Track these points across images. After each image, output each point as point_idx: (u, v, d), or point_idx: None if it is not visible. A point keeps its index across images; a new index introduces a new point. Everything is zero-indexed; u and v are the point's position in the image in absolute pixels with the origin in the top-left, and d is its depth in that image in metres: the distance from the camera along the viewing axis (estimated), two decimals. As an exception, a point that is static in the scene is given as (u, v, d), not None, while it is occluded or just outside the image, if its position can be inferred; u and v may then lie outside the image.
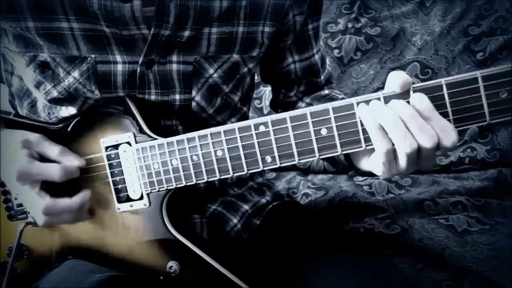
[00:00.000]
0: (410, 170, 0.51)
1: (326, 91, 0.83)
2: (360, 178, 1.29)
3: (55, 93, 0.64)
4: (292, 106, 0.85)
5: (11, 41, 0.61)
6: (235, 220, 0.76)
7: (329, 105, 0.51)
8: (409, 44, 1.35)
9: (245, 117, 0.84)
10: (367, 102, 0.50)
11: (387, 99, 0.49)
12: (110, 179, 0.65)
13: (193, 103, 0.68)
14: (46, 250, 0.72)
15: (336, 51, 1.41)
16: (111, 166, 0.65)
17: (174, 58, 0.64)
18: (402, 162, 0.49)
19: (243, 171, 0.57)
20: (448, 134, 0.46)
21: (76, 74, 0.62)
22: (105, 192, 0.66)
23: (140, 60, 0.62)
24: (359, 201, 1.06)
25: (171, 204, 0.65)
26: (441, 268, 0.78)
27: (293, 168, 1.40)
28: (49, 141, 0.64)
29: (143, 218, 0.65)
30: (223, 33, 0.66)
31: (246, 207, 0.79)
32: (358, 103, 0.50)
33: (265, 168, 0.56)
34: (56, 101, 0.65)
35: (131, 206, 0.64)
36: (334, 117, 0.51)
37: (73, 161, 0.63)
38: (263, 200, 0.82)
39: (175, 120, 0.70)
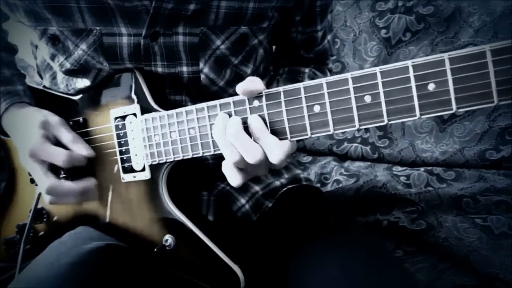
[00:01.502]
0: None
1: (306, 69, 0.83)
2: (400, 168, 1.21)
3: (68, 65, 0.66)
4: (276, 69, 0.86)
5: (22, 15, 0.64)
6: (242, 201, 0.75)
7: (324, 81, 0.48)
8: (465, 25, 1.22)
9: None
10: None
11: (384, 74, 0.45)
12: (117, 149, 0.67)
13: (202, 76, 0.67)
14: (63, 215, 0.76)
15: (383, 31, 1.32)
16: (118, 136, 0.66)
17: (180, 29, 0.63)
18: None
19: (236, 146, 0.55)
20: (272, 151, 0.49)
21: (84, 46, 0.63)
22: (112, 162, 0.68)
23: (143, 32, 0.62)
24: (388, 191, 0.99)
25: (172, 178, 0.65)
26: (464, 272, 0.71)
27: (329, 153, 1.35)
28: (66, 127, 0.67)
29: (145, 190, 0.65)
30: (232, 8, 0.64)
31: (256, 188, 0.77)
32: (352, 77, 0.46)
33: (258, 145, 0.54)
34: (71, 73, 0.68)
35: (134, 177, 0.65)
36: (328, 93, 0.48)
37: (81, 150, 0.66)
38: (277, 183, 0.79)
39: (185, 95, 0.70)
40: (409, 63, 0.43)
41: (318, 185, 1.23)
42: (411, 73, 0.43)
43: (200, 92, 0.70)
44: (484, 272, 0.70)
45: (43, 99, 0.76)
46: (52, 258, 0.58)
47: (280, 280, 0.66)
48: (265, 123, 0.52)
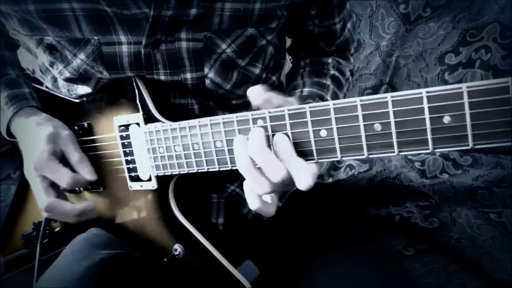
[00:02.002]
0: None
1: (329, 60, 0.79)
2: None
3: (67, 74, 0.64)
4: (297, 61, 0.83)
5: (17, 24, 0.61)
6: (253, 203, 0.74)
7: (331, 104, 0.45)
8: (490, 1, 1.14)
9: (273, 88, 0.79)
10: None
11: (395, 103, 0.42)
12: (123, 158, 0.66)
13: (207, 81, 0.65)
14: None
15: (402, 6, 1.24)
16: (123, 145, 0.65)
17: (183, 35, 0.60)
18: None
19: (241, 165, 0.53)
20: (300, 175, 0.45)
21: (82, 56, 0.61)
22: (119, 169, 0.67)
23: (143, 41, 0.59)
24: (402, 183, 0.97)
25: (179, 187, 0.64)
26: (475, 276, 0.70)
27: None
28: (75, 144, 0.66)
29: (152, 199, 0.65)
30: (237, 10, 0.60)
31: (266, 188, 0.76)
32: (361, 104, 0.43)
33: (263, 165, 0.52)
34: (71, 81, 0.66)
35: (141, 186, 0.65)
36: (336, 118, 0.45)
37: (86, 174, 0.65)
38: None
39: (190, 98, 0.67)
40: (423, 92, 0.40)
41: (331, 171, 1.22)
42: (425, 104, 0.40)
43: (206, 95, 0.68)
44: (496, 277, 0.69)
45: (48, 100, 0.75)
46: (63, 274, 0.59)
47: (291, 282, 0.67)
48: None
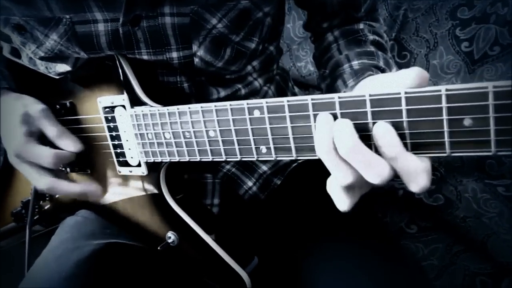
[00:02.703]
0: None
1: (361, 25, 0.70)
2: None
3: (41, 53, 0.58)
4: (322, 36, 0.73)
5: None
6: (249, 183, 0.71)
7: (336, 97, 0.40)
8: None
9: (271, 58, 0.73)
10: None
11: (409, 100, 0.36)
12: (110, 142, 0.61)
13: (196, 59, 0.58)
14: (63, 198, 0.73)
15: (464, 44, 1.12)
16: (109, 128, 0.60)
17: (167, 10, 0.53)
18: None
19: (237, 157, 0.49)
20: (415, 176, 0.36)
21: (54, 36, 0.54)
22: (106, 153, 0.63)
23: (121, 19, 0.52)
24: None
25: (172, 170, 0.60)
26: (479, 258, 0.68)
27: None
28: (49, 119, 0.60)
29: (143, 185, 0.61)
30: None
31: (264, 167, 0.72)
32: (370, 100, 0.38)
33: (260, 159, 0.48)
34: (47, 59, 0.60)
35: (130, 171, 0.61)
36: (341, 113, 0.40)
37: (68, 146, 0.60)
38: (287, 158, 0.74)
39: (179, 76, 0.61)
40: (442, 90, 0.35)
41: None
42: (444, 104, 0.35)
43: (196, 73, 0.62)
44: (500, 261, 0.67)
45: (26, 76, 0.68)
46: (51, 271, 0.56)
47: (290, 266, 0.65)
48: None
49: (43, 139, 0.61)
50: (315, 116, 0.41)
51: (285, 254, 0.65)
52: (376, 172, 0.36)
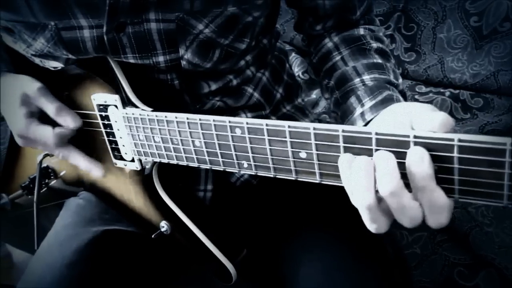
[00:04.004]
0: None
1: (361, 31, 0.66)
2: (424, 89, 1.12)
3: (32, 52, 0.58)
4: (318, 39, 0.70)
5: None
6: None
7: (312, 127, 0.41)
8: None
9: (265, 50, 0.72)
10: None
11: (380, 141, 0.37)
12: (105, 138, 0.63)
13: (183, 62, 0.58)
14: (68, 172, 0.78)
15: (473, 18, 1.06)
16: (104, 125, 0.62)
17: (152, 16, 0.53)
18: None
19: (221, 168, 0.51)
20: (437, 215, 0.35)
21: (42, 40, 0.55)
22: (103, 147, 0.65)
23: (104, 28, 0.52)
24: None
25: (164, 168, 0.63)
26: (460, 249, 0.71)
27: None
28: (47, 96, 0.61)
29: (137, 178, 0.64)
30: None
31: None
32: (343, 135, 0.39)
33: (243, 172, 0.50)
34: (39, 57, 0.60)
35: (125, 165, 0.64)
36: (316, 144, 0.41)
37: (68, 123, 0.61)
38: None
39: (170, 73, 0.62)
40: (411, 136, 0.36)
41: (309, 108, 1.17)
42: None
43: (185, 72, 0.62)
44: (479, 253, 0.70)
45: (24, 61, 0.69)
46: (55, 258, 0.61)
47: (273, 256, 0.69)
48: None
49: (44, 117, 0.63)
50: (291, 143, 0.43)
51: (270, 243, 0.69)
52: (410, 216, 0.35)
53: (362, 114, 0.54)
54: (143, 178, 0.64)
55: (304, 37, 0.75)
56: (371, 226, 0.39)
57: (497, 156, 0.32)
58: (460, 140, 0.34)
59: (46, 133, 0.61)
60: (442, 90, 1.08)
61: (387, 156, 0.35)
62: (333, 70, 0.64)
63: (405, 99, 0.57)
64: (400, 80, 0.61)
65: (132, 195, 0.67)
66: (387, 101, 0.53)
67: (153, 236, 0.64)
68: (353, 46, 0.64)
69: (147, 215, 0.66)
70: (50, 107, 0.61)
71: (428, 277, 0.74)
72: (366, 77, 0.59)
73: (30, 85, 0.62)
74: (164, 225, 0.65)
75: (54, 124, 0.63)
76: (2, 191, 0.91)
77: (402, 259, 0.74)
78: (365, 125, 0.53)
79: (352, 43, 0.65)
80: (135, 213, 0.68)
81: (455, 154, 0.34)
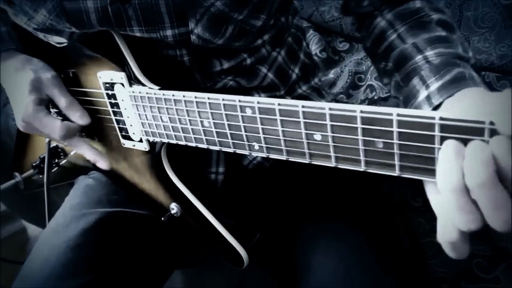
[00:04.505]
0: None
1: (418, 3, 0.58)
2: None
3: (34, 25, 0.56)
4: (369, 20, 0.63)
5: None
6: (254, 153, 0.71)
7: (327, 107, 0.38)
8: None
9: (283, 28, 0.68)
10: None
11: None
12: (112, 117, 0.61)
13: (193, 37, 0.55)
14: (77, 157, 0.76)
15: None
16: (111, 104, 0.60)
17: None
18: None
19: (231, 149, 0.49)
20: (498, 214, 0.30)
21: (44, 12, 0.52)
22: (111, 126, 0.63)
23: None
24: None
25: (174, 149, 0.61)
26: (481, 239, 0.67)
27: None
28: (61, 88, 0.61)
29: (146, 159, 0.63)
30: None
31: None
32: (362, 116, 0.36)
33: (254, 154, 0.47)
34: (41, 31, 0.58)
35: (134, 145, 0.62)
36: (331, 125, 0.38)
37: (77, 119, 0.61)
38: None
39: (179, 49, 0.59)
40: (436, 116, 0.32)
41: (350, 90, 1.13)
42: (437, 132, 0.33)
43: (195, 49, 0.59)
44: (501, 245, 0.66)
45: (30, 39, 0.67)
46: (61, 239, 0.60)
47: (286, 242, 0.67)
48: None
49: (52, 104, 0.62)
50: (305, 124, 0.40)
51: (284, 228, 0.67)
52: (504, 217, 0.30)
53: (428, 97, 0.47)
54: (152, 159, 0.62)
55: (354, 19, 0.68)
56: (460, 219, 0.32)
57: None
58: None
59: (54, 125, 0.59)
60: (467, 72, 1.02)
61: (482, 146, 0.30)
62: (390, 51, 0.57)
63: (479, 74, 0.50)
64: (471, 53, 0.53)
65: (141, 176, 0.65)
66: (458, 81, 0.45)
67: (163, 218, 0.63)
68: (410, 21, 0.57)
69: (157, 197, 0.65)
70: (62, 100, 0.60)
71: (445, 268, 0.70)
72: (430, 53, 0.51)
73: (44, 72, 0.61)
74: (174, 207, 0.63)
75: (60, 114, 0.62)
76: (15, 170, 0.91)
77: (418, 248, 0.71)
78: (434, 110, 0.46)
79: (408, 17, 0.57)
80: (145, 195, 0.66)
81: None
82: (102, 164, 0.63)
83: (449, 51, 0.50)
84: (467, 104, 0.42)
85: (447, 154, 0.31)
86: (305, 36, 0.82)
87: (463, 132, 0.31)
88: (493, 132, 0.30)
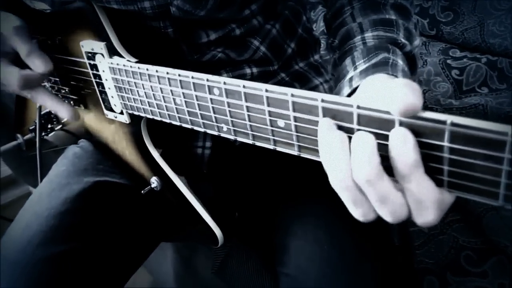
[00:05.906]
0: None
1: None
2: (458, 53, 1.01)
3: None
4: (339, 14, 0.60)
5: None
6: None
7: (289, 93, 0.36)
8: None
9: (272, 0, 0.65)
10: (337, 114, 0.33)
11: (361, 118, 0.32)
12: (96, 87, 0.61)
13: (172, 8, 0.53)
14: (69, 123, 0.77)
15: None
16: (93, 74, 0.59)
17: None
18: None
19: (202, 129, 0.47)
20: (422, 210, 0.30)
21: None
22: (94, 95, 0.63)
23: None
24: (425, 103, 0.85)
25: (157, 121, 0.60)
26: (471, 231, 0.64)
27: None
28: (22, 37, 0.56)
29: (128, 131, 0.62)
30: None
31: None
32: (323, 107, 0.34)
33: (223, 136, 0.46)
34: None
35: (115, 117, 0.61)
36: (294, 116, 0.36)
37: (38, 67, 0.56)
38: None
39: (162, 21, 0.57)
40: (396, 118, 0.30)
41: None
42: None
43: (177, 20, 0.56)
44: (492, 238, 0.64)
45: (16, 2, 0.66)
46: (43, 205, 0.61)
47: (266, 223, 0.66)
48: None
49: (19, 60, 0.58)
50: (269, 112, 0.38)
51: (264, 209, 0.66)
52: (390, 209, 0.31)
53: (351, 79, 0.46)
54: (133, 131, 0.61)
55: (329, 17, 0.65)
56: (356, 212, 0.34)
57: (494, 149, 0.26)
58: (452, 124, 0.28)
59: (11, 74, 0.55)
60: (478, 56, 0.96)
61: (364, 139, 0.30)
62: (339, 27, 0.57)
63: (414, 64, 0.49)
64: (416, 42, 0.52)
65: (124, 148, 0.65)
66: (378, 66, 0.44)
67: (142, 192, 0.63)
68: (367, 0, 0.56)
69: (139, 169, 0.64)
70: (22, 47, 0.56)
71: (432, 258, 0.69)
72: (368, 35, 0.51)
73: (8, 23, 0.56)
74: (154, 181, 0.63)
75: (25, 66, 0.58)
76: (18, 132, 0.92)
77: (405, 237, 0.69)
78: (351, 93, 0.46)
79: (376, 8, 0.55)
80: (128, 166, 0.66)
81: (446, 143, 0.28)
82: (63, 113, 0.60)
83: (387, 35, 0.50)
84: (372, 90, 0.42)
85: (330, 147, 0.32)
86: (305, 11, 0.78)
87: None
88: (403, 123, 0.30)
